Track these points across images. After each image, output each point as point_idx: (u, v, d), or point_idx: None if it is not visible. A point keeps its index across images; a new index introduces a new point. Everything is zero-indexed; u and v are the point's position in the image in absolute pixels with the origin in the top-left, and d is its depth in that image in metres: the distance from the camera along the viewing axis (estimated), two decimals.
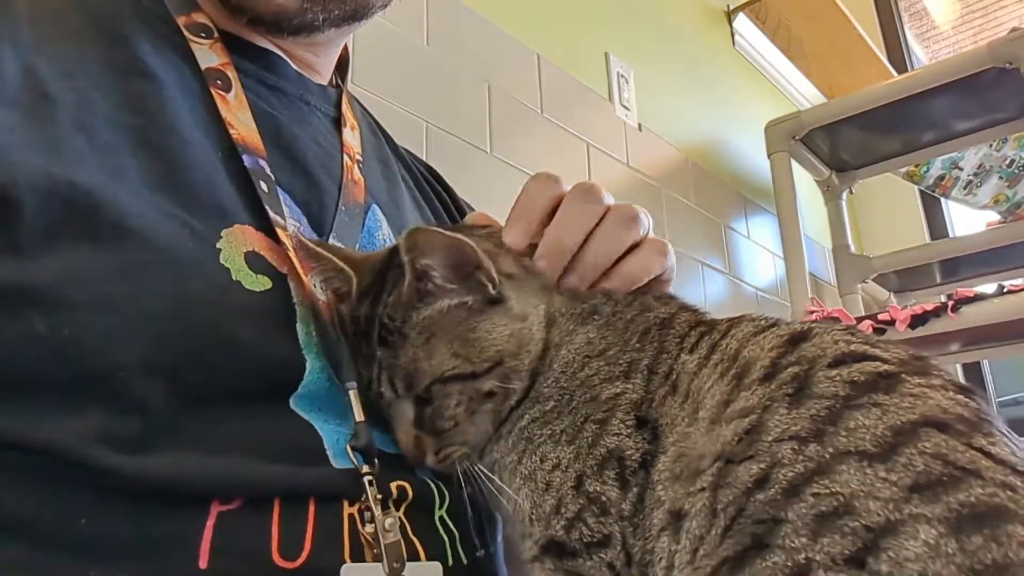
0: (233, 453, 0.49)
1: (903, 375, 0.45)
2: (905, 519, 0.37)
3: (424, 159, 1.34)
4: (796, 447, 0.42)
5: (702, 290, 2.07)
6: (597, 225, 0.60)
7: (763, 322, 0.54)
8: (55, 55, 0.55)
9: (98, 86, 0.55)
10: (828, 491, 0.40)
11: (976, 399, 0.44)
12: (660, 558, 0.46)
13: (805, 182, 2.55)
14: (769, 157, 2.36)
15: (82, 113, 0.53)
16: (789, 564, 0.38)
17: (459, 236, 0.55)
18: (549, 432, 0.54)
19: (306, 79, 0.73)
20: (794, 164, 2.37)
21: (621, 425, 0.52)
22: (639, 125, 2.01)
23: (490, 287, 0.56)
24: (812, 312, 2.15)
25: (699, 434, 0.48)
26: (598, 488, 0.50)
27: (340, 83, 0.80)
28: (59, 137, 0.50)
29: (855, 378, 0.44)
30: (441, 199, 0.87)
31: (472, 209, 0.92)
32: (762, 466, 0.42)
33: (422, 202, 0.83)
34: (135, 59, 0.59)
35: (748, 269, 2.34)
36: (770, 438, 0.43)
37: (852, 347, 0.47)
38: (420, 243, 0.54)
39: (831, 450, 0.41)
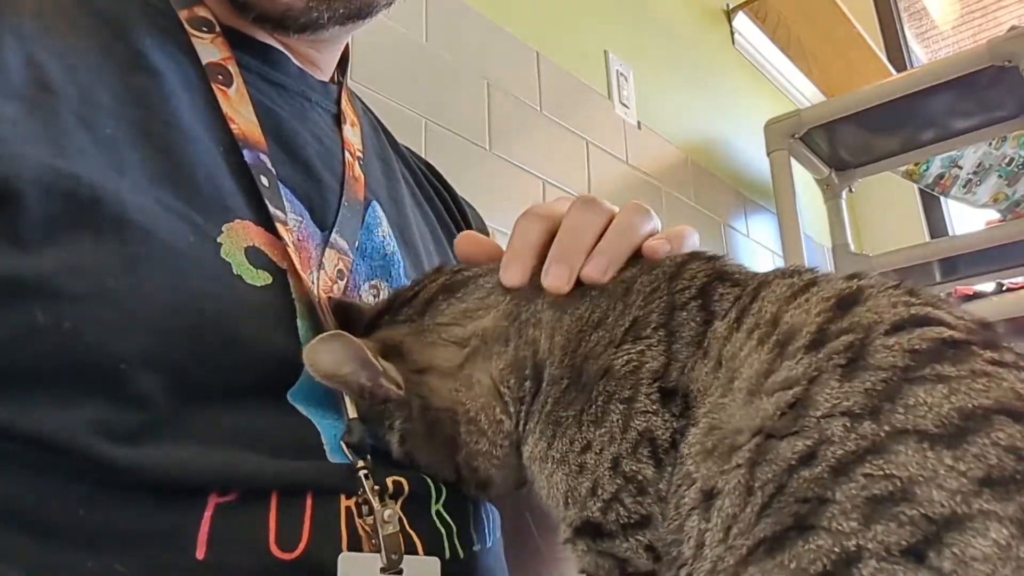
0: (231, 446, 0.49)
1: (972, 346, 0.40)
2: (974, 514, 0.34)
3: (422, 156, 1.34)
4: (848, 424, 0.38)
5: None
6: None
7: (798, 280, 0.48)
8: (58, 48, 0.55)
9: (100, 79, 0.55)
10: (882, 472, 0.36)
11: None
12: (689, 537, 0.43)
13: (805, 181, 2.55)
14: (768, 156, 2.36)
15: (84, 106, 0.53)
16: (836, 550, 0.35)
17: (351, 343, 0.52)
18: (573, 413, 0.51)
19: (308, 75, 0.72)
20: (794, 163, 2.37)
21: (647, 401, 0.48)
22: (638, 123, 2.01)
23: (394, 390, 0.54)
24: None
25: (735, 406, 0.44)
26: (634, 467, 0.47)
27: (341, 80, 0.79)
28: (61, 130, 0.50)
29: (916, 346, 0.40)
30: (441, 198, 0.87)
31: (472, 208, 0.92)
32: (808, 443, 0.39)
33: (422, 201, 0.82)
34: (137, 53, 0.59)
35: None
36: (818, 413, 0.39)
37: (912, 311, 0.42)
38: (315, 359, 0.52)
39: (887, 428, 0.37)
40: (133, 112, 0.55)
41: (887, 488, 0.35)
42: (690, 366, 0.48)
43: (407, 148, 0.89)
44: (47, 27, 0.56)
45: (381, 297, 0.65)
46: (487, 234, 0.91)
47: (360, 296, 0.63)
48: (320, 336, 0.52)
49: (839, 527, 0.36)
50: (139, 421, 0.47)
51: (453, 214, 0.87)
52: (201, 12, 0.65)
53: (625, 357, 0.50)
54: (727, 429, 0.43)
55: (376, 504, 0.50)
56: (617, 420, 0.49)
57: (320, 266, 0.60)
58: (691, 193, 2.14)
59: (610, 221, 0.58)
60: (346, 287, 0.62)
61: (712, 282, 0.51)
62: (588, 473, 0.49)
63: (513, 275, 0.56)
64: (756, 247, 2.42)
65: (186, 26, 0.63)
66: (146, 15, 0.62)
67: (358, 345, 0.52)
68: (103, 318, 0.47)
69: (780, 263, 2.34)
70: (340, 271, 0.61)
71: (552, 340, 0.54)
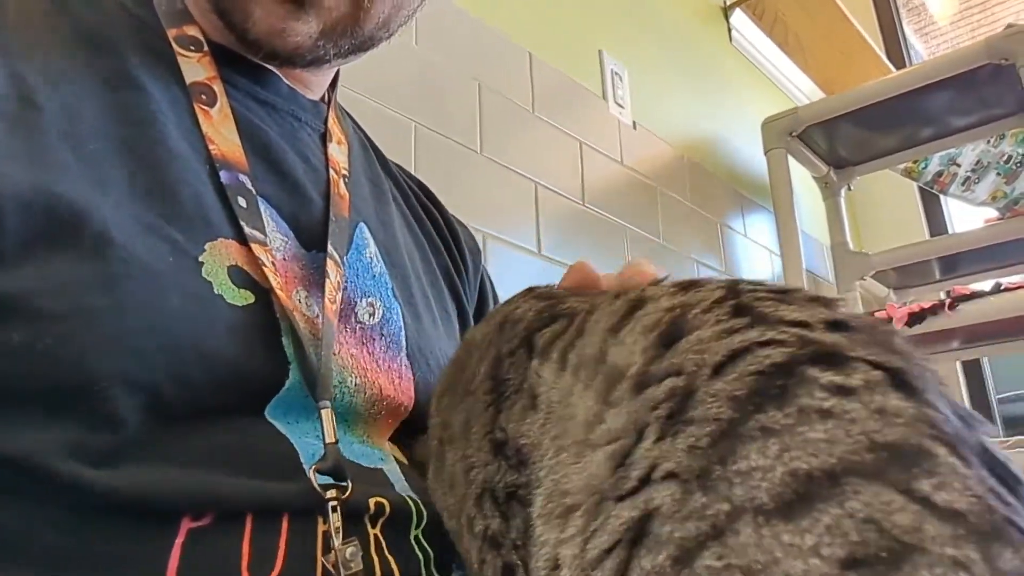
0: (207, 467, 0.48)
1: (806, 368, 0.32)
2: None
3: (412, 160, 1.34)
4: (677, 494, 0.32)
5: None
6: None
7: (623, 304, 0.43)
8: (42, 63, 0.54)
9: (85, 95, 0.55)
10: (723, 563, 0.29)
11: (920, 391, 0.32)
12: None
13: (804, 179, 2.54)
14: (766, 154, 2.35)
15: (68, 122, 0.52)
16: None
17: None
18: (438, 485, 0.51)
19: (298, 94, 0.72)
20: (792, 161, 2.36)
21: (480, 453, 0.46)
22: (633, 123, 1.99)
23: None
24: None
25: (568, 462, 0.39)
26: (483, 524, 0.46)
27: (330, 98, 0.79)
28: (44, 147, 0.50)
29: (737, 392, 0.33)
30: (432, 218, 0.86)
31: (463, 226, 0.91)
32: (634, 514, 0.33)
33: (412, 222, 0.82)
34: (123, 70, 0.58)
35: (745, 267, 2.33)
36: (637, 474, 0.34)
37: (737, 340, 0.35)
38: None
39: (725, 506, 0.30)
40: (118, 129, 0.55)
41: None
42: (517, 414, 0.45)
43: (398, 166, 0.88)
44: (32, 42, 0.55)
45: (376, 315, 0.64)
46: (478, 252, 0.90)
47: (356, 313, 0.63)
48: None
49: None
50: (115, 442, 0.46)
51: (443, 234, 0.86)
52: (190, 31, 0.64)
53: (461, 416, 0.49)
54: (562, 490, 0.39)
55: (337, 542, 0.49)
56: (462, 481, 0.48)
57: (306, 284, 0.60)
58: (687, 193, 2.13)
59: None
60: (342, 301, 0.61)
61: (539, 320, 0.49)
62: (463, 540, 0.48)
63: None
64: (754, 247, 2.41)
65: (173, 44, 0.63)
66: (134, 32, 0.62)
67: None
68: (81, 338, 0.46)
69: (779, 262, 2.33)
70: (338, 283, 0.61)
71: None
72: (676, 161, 2.13)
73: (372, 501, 0.53)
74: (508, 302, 0.55)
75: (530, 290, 0.55)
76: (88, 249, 0.48)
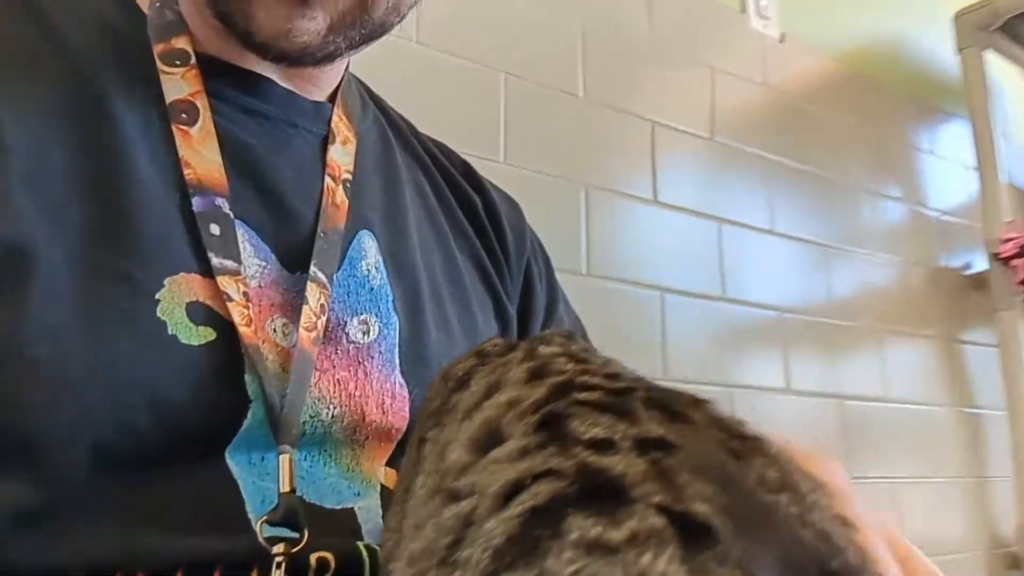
0: (144, 523, 0.47)
1: (567, 512, 0.26)
2: None
3: (502, 117, 1.25)
4: None
5: (870, 223, 1.82)
6: None
7: (481, 388, 0.37)
8: (17, 100, 0.54)
9: (54, 132, 0.54)
10: None
11: (722, 543, 0.25)
12: None
13: (1013, 79, 2.15)
14: (960, 53, 2.02)
15: (33, 163, 0.51)
16: None
17: None
18: None
19: (296, 98, 0.67)
20: (995, 59, 2.00)
21: (395, 518, 0.42)
22: (781, 36, 1.76)
23: None
24: (1009, 239, 1.84)
25: (396, 569, 0.35)
26: None
27: (338, 91, 0.73)
28: (5, 191, 0.50)
29: (498, 539, 0.27)
30: (469, 201, 0.79)
31: (512, 202, 0.82)
32: None
33: (436, 210, 0.75)
34: (99, 98, 0.57)
35: (933, 189, 2.02)
36: None
37: (523, 464, 0.29)
38: None
39: None
40: (85, 164, 0.53)
41: None
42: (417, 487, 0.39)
43: (435, 145, 0.81)
44: (9, 76, 0.55)
45: (372, 332, 0.61)
46: (523, 234, 0.81)
47: (348, 333, 0.60)
48: None
49: None
50: (51, 500, 0.45)
51: (479, 220, 0.78)
52: (179, 44, 0.61)
53: (401, 472, 0.45)
54: None
55: None
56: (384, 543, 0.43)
57: (286, 311, 0.57)
58: (851, 111, 1.86)
59: None
60: (328, 323, 0.58)
61: (461, 381, 0.42)
62: None
63: None
64: (944, 164, 2.08)
65: (157, 61, 0.60)
66: (117, 51, 0.60)
67: None
68: (21, 391, 0.45)
69: (976, 179, 2.00)
70: (323, 305, 0.58)
71: None
72: (838, 74, 1.87)
73: (314, 557, 0.49)
74: (463, 353, 0.49)
75: (488, 341, 0.49)
76: (34, 299, 0.47)
